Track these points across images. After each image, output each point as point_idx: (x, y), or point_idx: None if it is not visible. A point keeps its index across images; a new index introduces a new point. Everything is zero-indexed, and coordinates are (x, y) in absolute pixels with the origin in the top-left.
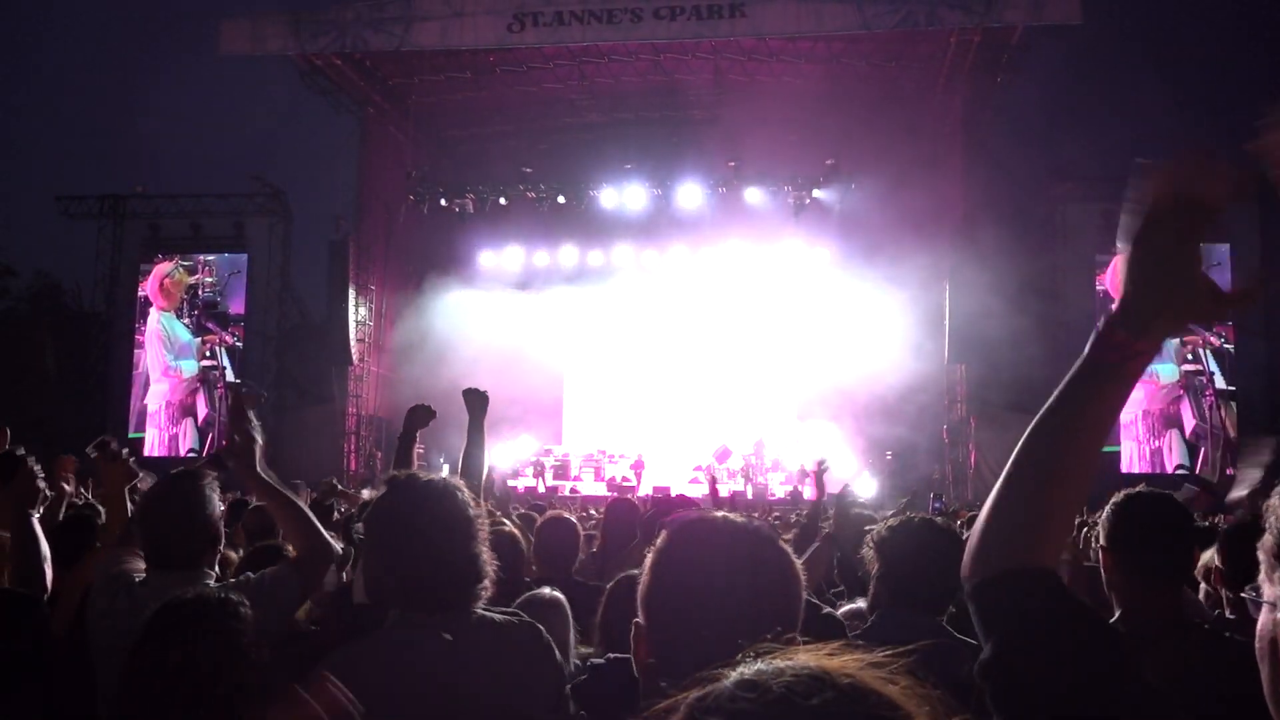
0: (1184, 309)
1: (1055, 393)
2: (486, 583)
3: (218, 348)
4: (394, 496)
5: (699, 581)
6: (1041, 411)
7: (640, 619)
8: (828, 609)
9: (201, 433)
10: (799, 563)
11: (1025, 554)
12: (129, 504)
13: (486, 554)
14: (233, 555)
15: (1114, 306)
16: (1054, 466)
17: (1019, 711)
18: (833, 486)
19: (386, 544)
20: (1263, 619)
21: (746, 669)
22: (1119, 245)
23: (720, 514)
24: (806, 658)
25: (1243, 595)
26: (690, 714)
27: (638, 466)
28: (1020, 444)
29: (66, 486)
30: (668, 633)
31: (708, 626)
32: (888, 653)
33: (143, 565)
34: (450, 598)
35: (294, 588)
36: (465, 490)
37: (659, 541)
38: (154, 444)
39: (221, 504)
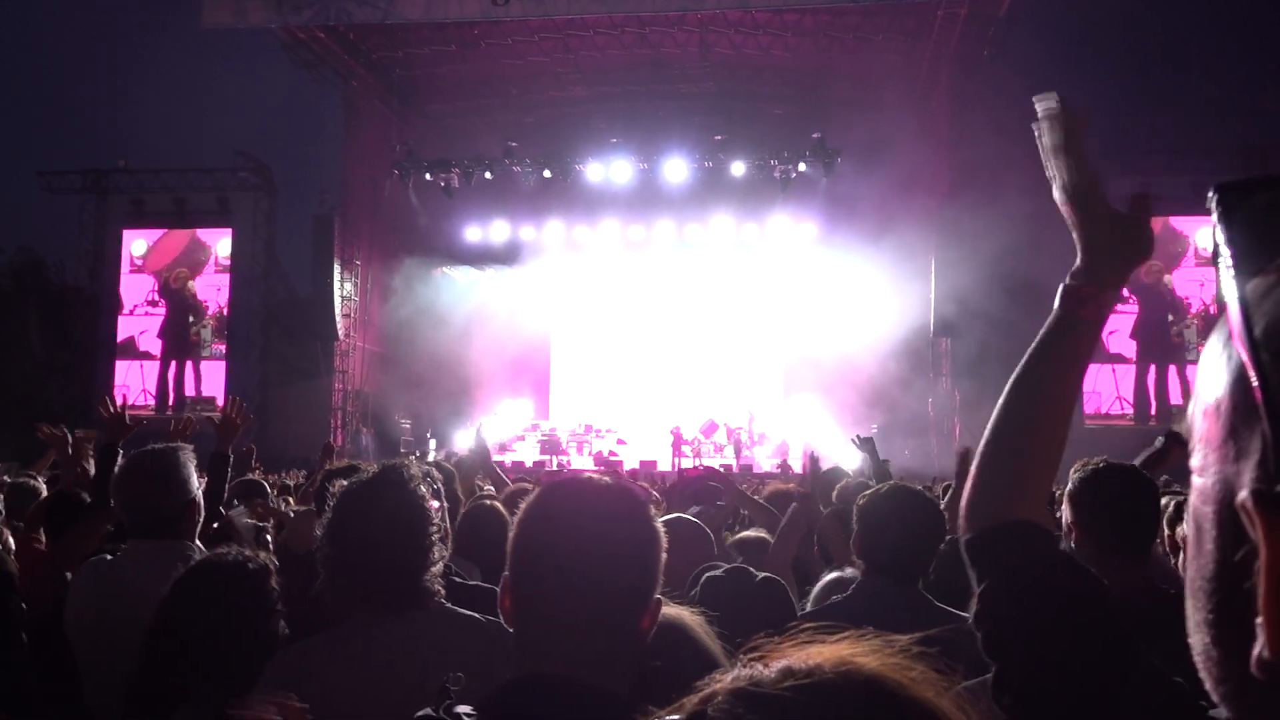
0: (1132, 253)
1: (1030, 351)
2: (435, 574)
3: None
4: (340, 500)
5: (552, 537)
6: (1019, 369)
7: (507, 570)
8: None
9: None
10: (661, 527)
11: (1012, 507)
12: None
13: (437, 547)
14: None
15: (1076, 265)
16: (1034, 420)
17: (1007, 656)
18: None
19: (330, 550)
20: (1191, 500)
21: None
22: (1059, 202)
23: (588, 474)
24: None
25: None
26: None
27: (622, 444)
28: (1001, 402)
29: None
30: (525, 584)
31: (559, 580)
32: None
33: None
34: (400, 600)
35: None
36: (415, 478)
37: (530, 497)
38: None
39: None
